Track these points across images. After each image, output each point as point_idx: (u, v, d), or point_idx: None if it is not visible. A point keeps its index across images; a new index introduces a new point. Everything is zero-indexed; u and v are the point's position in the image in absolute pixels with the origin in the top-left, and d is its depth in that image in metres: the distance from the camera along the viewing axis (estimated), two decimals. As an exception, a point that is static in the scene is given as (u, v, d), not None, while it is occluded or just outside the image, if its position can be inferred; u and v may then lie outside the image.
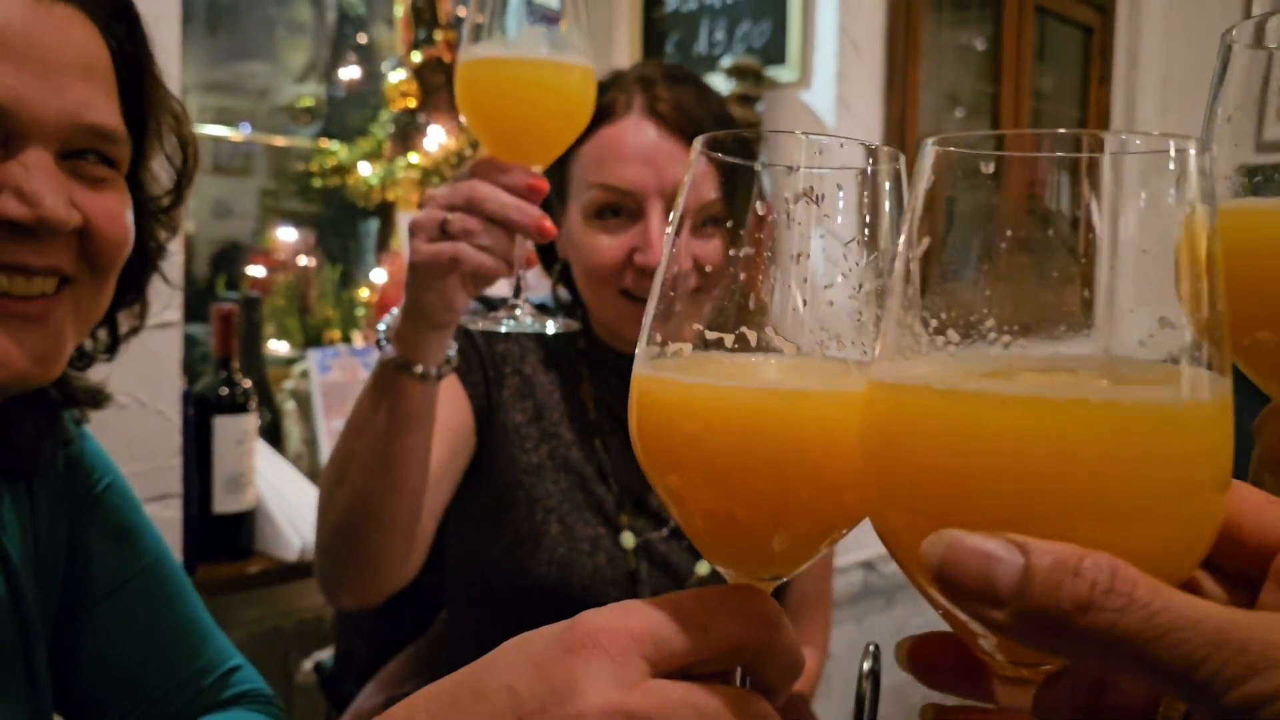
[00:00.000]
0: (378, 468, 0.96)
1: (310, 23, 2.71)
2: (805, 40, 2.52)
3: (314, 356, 1.95)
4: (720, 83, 2.52)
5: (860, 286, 0.44)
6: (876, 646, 0.63)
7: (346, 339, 2.19)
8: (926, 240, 0.37)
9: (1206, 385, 0.35)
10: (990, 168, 0.36)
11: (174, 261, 1.59)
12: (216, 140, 2.48)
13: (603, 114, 1.12)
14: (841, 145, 0.45)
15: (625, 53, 2.87)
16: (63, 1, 0.72)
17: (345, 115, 2.65)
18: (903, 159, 0.46)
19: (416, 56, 2.29)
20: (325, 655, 1.64)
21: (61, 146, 0.71)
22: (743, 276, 0.45)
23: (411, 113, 2.29)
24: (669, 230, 0.48)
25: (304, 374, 1.99)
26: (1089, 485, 0.33)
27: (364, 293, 2.29)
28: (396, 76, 2.30)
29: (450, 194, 0.84)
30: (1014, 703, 0.38)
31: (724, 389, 0.44)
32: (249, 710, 0.94)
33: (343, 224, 2.46)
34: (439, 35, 2.30)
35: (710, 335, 0.45)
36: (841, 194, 0.45)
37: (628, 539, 1.16)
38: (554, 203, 1.18)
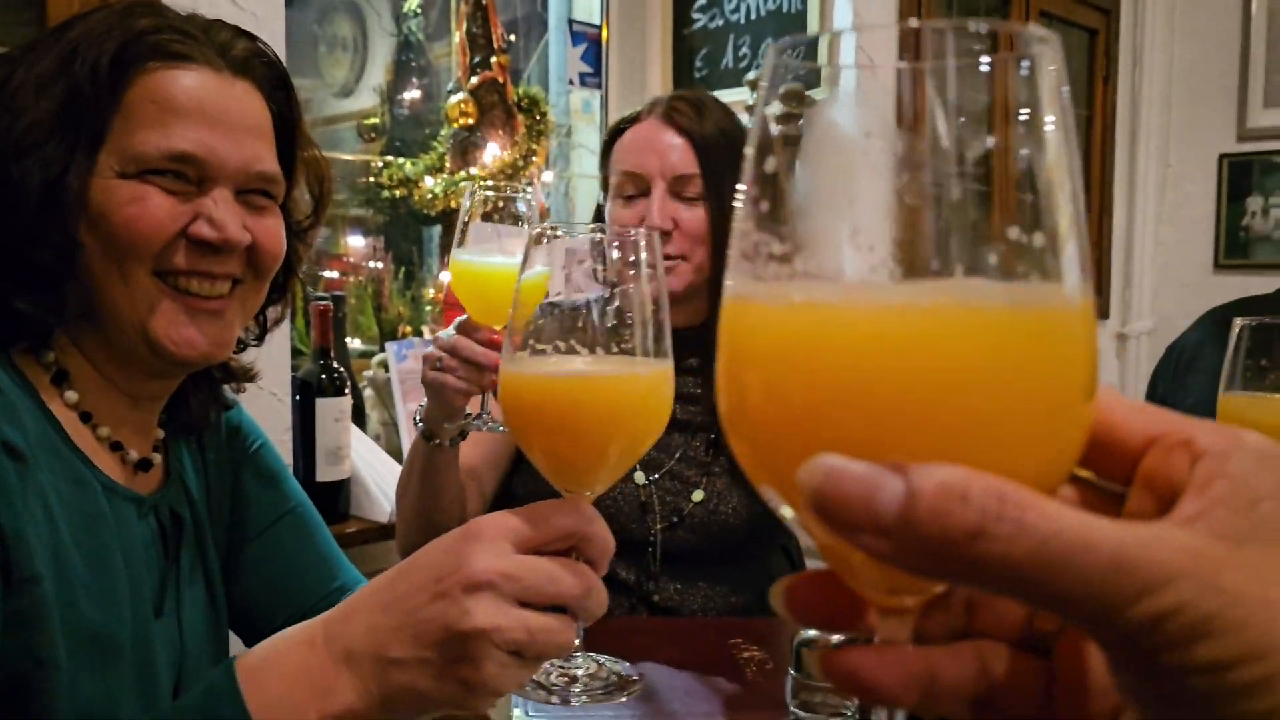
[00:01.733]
0: (421, 501, 1.39)
1: (354, 39, 2.98)
2: (830, 57, 2.76)
3: (392, 348, 2.22)
4: (745, 94, 2.76)
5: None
6: None
7: (419, 333, 2.47)
8: (772, 160, 0.36)
9: (1069, 290, 0.34)
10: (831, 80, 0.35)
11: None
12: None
13: (629, 121, 1.51)
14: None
15: (658, 67, 3.12)
16: (243, 78, 0.99)
17: (405, 131, 2.93)
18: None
19: (473, 79, 2.56)
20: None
21: (238, 186, 0.98)
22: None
23: (469, 129, 2.56)
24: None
25: (383, 364, 2.27)
26: (959, 398, 0.32)
27: (430, 292, 2.57)
28: (455, 98, 2.57)
29: (441, 342, 1.23)
30: (892, 635, 0.37)
31: (552, 377, 0.72)
32: None
33: (409, 230, 2.74)
34: (494, 59, 2.57)
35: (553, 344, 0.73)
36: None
37: (639, 477, 1.45)
38: (603, 198, 1.56)
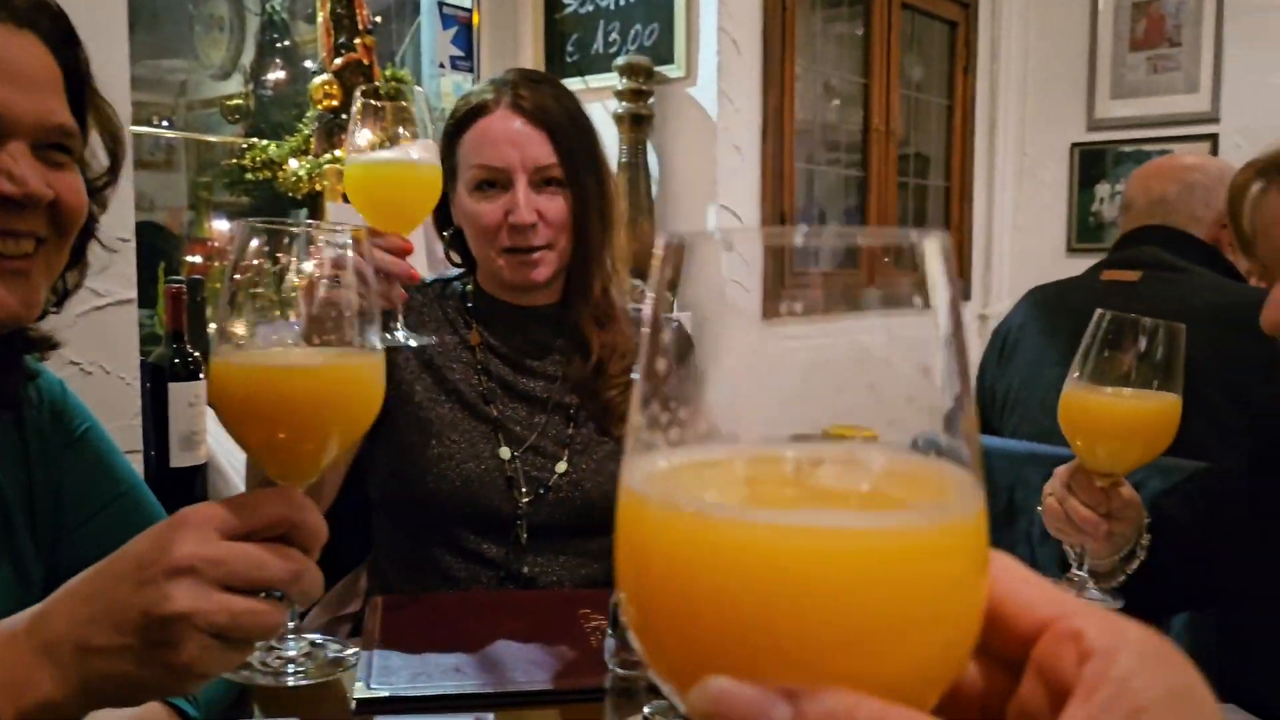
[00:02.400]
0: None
1: (229, 20, 2.91)
2: (690, 40, 2.81)
3: (284, 324, 2.18)
4: (614, 80, 2.79)
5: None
6: None
7: (284, 316, 2.43)
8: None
9: (960, 496, 0.34)
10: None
11: (128, 248, 1.83)
12: (139, 137, 2.68)
13: (475, 114, 1.45)
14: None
15: (529, 51, 3.13)
16: (28, 30, 0.96)
17: (271, 113, 2.88)
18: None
19: (337, 60, 2.52)
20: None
21: (35, 141, 0.94)
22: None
23: (334, 112, 2.52)
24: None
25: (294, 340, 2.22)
26: (840, 616, 0.32)
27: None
28: (319, 79, 2.53)
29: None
30: None
31: (260, 368, 0.73)
32: None
33: (273, 213, 2.69)
34: (358, 40, 2.54)
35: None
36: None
37: (504, 452, 1.46)
38: (448, 185, 1.49)
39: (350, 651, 0.75)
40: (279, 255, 0.74)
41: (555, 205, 1.45)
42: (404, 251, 1.19)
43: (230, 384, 0.72)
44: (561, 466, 1.47)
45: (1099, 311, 1.09)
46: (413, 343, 1.26)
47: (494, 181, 1.44)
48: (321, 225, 0.75)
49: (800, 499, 0.35)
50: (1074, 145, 3.95)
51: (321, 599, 1.60)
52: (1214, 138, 3.65)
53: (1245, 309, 1.80)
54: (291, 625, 0.71)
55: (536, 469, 1.47)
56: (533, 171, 1.44)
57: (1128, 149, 3.85)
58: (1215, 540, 1.13)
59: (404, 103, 1.20)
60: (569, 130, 1.46)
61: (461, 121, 1.47)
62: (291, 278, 0.73)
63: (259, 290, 0.73)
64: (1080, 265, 3.76)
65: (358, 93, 1.23)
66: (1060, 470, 1.12)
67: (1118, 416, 1.06)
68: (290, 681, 0.71)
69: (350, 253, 0.74)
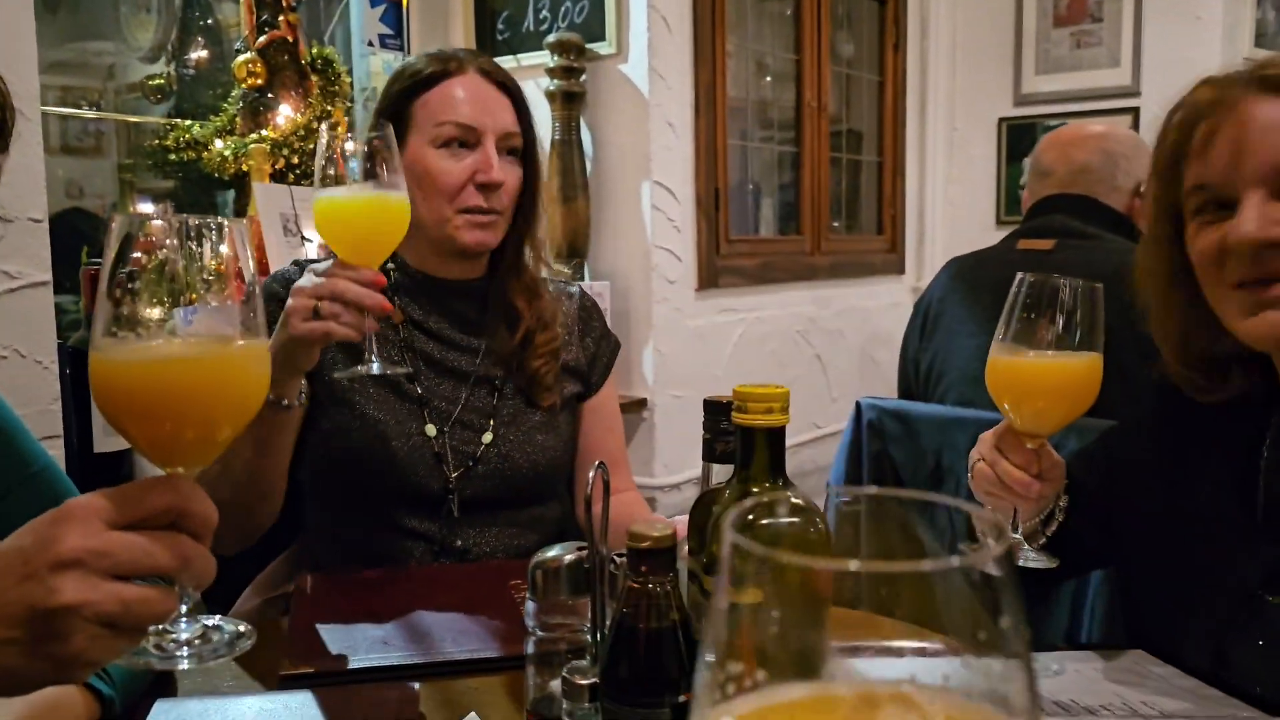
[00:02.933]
0: (258, 470, 1.33)
1: (156, 1, 2.85)
2: (620, 17, 2.81)
3: (179, 314, 2.15)
4: (546, 57, 2.78)
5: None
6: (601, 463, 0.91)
7: (164, 308, 2.39)
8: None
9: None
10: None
11: (40, 229, 1.78)
12: (66, 119, 2.62)
13: (441, 75, 1.46)
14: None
15: (460, 28, 3.10)
16: None
17: (196, 93, 2.82)
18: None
19: (261, 38, 2.48)
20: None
21: None
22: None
23: (260, 90, 2.49)
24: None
25: (172, 330, 2.19)
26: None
27: (223, 258, 2.48)
28: (243, 57, 2.49)
29: (318, 288, 1.18)
30: None
31: (139, 362, 0.71)
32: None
33: (200, 195, 2.65)
34: (282, 17, 2.50)
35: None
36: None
37: (430, 429, 1.46)
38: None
39: (244, 629, 0.74)
40: (158, 247, 0.72)
41: (515, 175, 1.48)
42: (377, 285, 1.19)
43: (108, 378, 0.71)
44: (488, 438, 1.48)
45: (1019, 275, 1.09)
46: (387, 372, 1.27)
47: (463, 140, 1.44)
48: (204, 218, 0.73)
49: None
50: (1001, 120, 4.02)
51: (255, 580, 1.59)
52: (1135, 111, 3.73)
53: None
54: (184, 609, 0.71)
55: (464, 443, 1.47)
56: (499, 136, 1.45)
57: (1053, 123, 3.91)
58: (1117, 497, 1.16)
59: (372, 133, 1.20)
60: (527, 105, 1.50)
61: (427, 80, 1.46)
62: (173, 269, 0.72)
63: (137, 283, 0.72)
64: (1010, 238, 3.86)
65: (323, 126, 1.24)
66: (987, 435, 1.13)
67: (1043, 376, 1.07)
68: (184, 665, 0.71)
69: (230, 243, 0.74)
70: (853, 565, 0.31)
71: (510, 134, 1.46)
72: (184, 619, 0.72)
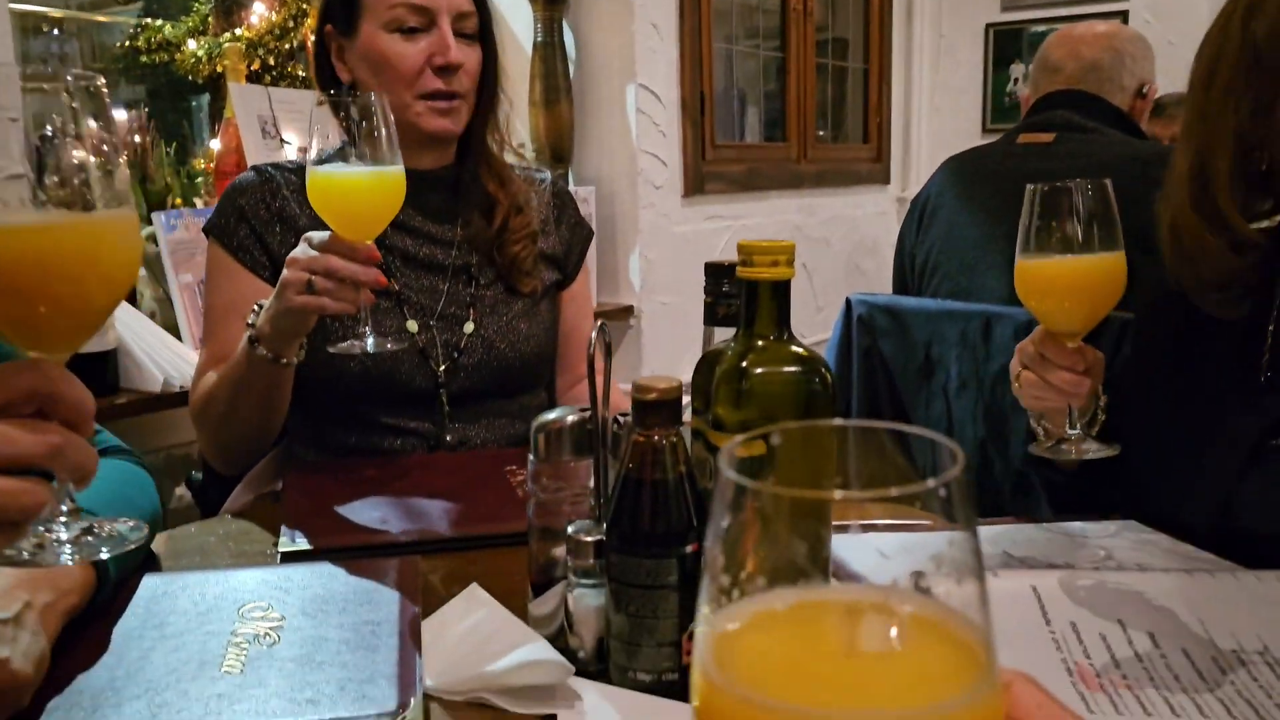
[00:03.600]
0: (261, 415, 1.36)
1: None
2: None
3: (160, 219, 2.11)
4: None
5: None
6: (603, 322, 0.90)
7: (190, 204, 2.35)
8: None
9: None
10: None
11: (13, 138, 1.73)
12: (28, 31, 2.54)
13: None
14: None
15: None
16: None
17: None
18: None
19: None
20: (195, 474, 1.85)
21: None
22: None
23: (232, -12, 2.42)
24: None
25: (151, 237, 2.15)
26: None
27: (201, 163, 2.44)
28: (215, -47, 2.41)
29: (311, 262, 1.17)
30: None
31: None
32: (118, 459, 1.16)
33: (175, 100, 2.58)
34: (253, -88, 2.42)
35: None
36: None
37: (412, 325, 1.45)
38: (339, 36, 1.45)
39: (131, 526, 0.71)
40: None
41: (474, 56, 1.45)
42: (371, 259, 1.18)
43: None
44: (469, 328, 1.47)
45: (1029, 187, 1.09)
46: (389, 346, 1.25)
47: (418, 21, 1.40)
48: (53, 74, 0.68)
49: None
50: (988, 25, 3.96)
51: (245, 478, 1.58)
52: (1124, 14, 3.68)
53: (1156, 160, 1.86)
54: (65, 507, 0.67)
55: (447, 336, 1.46)
56: (454, 16, 1.42)
57: (1041, 28, 3.87)
58: (1134, 381, 1.17)
59: (365, 106, 1.16)
60: None
61: None
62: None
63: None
64: (996, 146, 3.83)
65: (316, 98, 1.19)
66: (1025, 344, 1.13)
67: (1072, 275, 1.08)
68: (66, 559, 0.67)
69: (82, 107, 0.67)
70: (837, 495, 0.34)
71: (465, 13, 1.43)
72: (64, 517, 0.68)
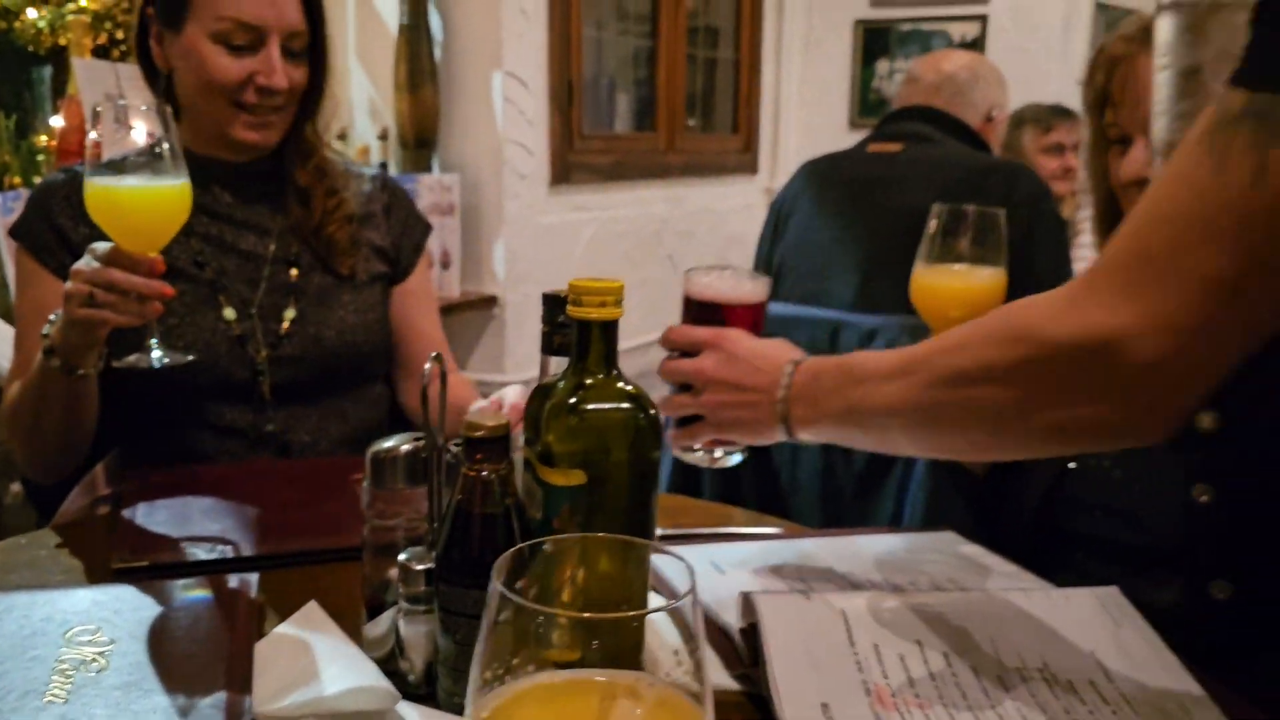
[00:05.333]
0: (66, 424, 1.34)
1: None
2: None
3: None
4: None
5: None
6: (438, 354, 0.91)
7: (30, 184, 2.24)
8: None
9: None
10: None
11: None
12: None
13: None
14: None
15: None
16: None
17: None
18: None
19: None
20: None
21: None
22: None
23: (77, -44, 2.30)
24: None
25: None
26: None
27: (43, 139, 2.33)
28: (57, -82, 2.29)
29: (93, 275, 1.14)
30: None
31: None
32: None
33: (14, 71, 2.45)
34: (100, -124, 2.30)
35: None
36: None
37: (229, 313, 1.43)
38: (161, 24, 1.41)
39: None
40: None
41: (299, 74, 1.43)
42: (155, 271, 1.16)
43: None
44: (290, 314, 1.46)
45: (936, 205, 1.22)
46: (168, 361, 1.22)
47: (245, 40, 1.38)
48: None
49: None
50: (858, 21, 4.07)
51: (81, 481, 1.54)
52: (984, 18, 3.83)
53: (988, 171, 1.98)
54: None
55: (268, 322, 1.45)
56: (285, 36, 1.40)
57: (907, 27, 3.99)
58: None
59: (147, 110, 1.12)
60: None
61: None
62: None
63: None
64: (861, 139, 3.93)
65: (100, 98, 1.15)
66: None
67: (958, 289, 1.22)
68: None
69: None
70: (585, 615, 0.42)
71: (296, 33, 1.40)
72: None
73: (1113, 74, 1.20)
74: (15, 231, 1.42)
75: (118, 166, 1.13)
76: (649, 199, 3.41)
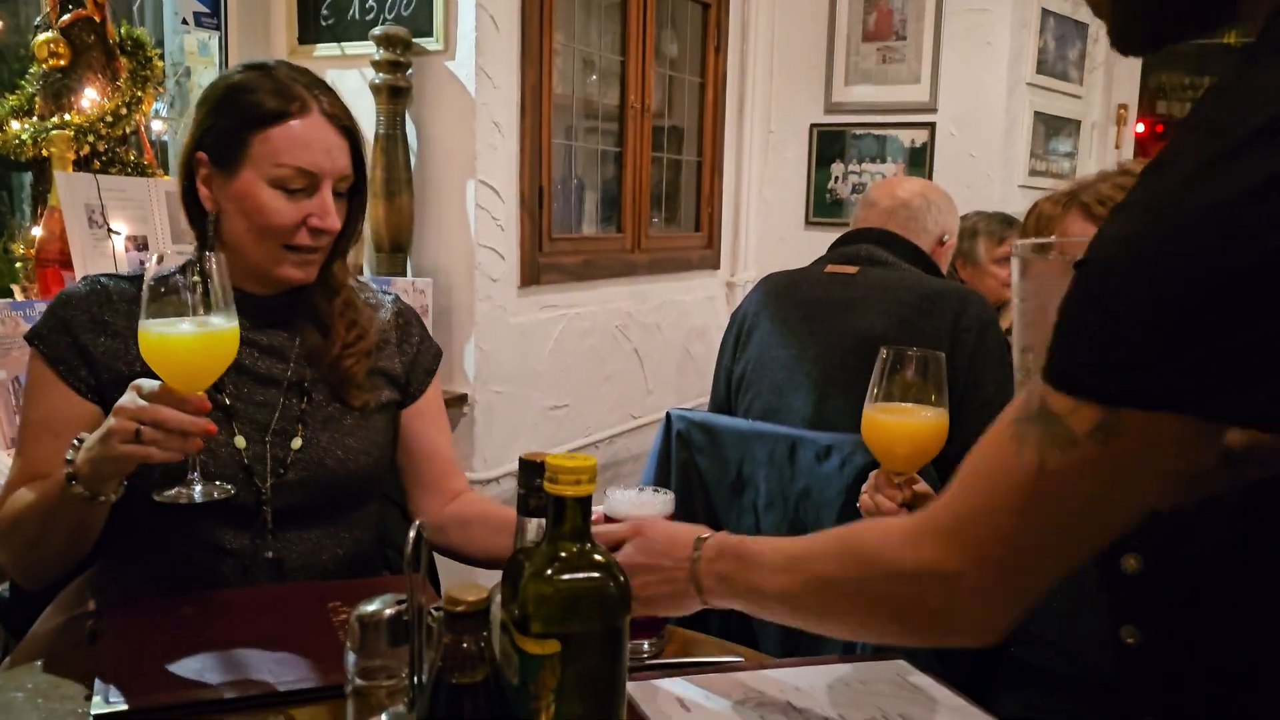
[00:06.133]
0: (71, 542, 1.37)
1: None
2: (448, 13, 2.81)
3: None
4: (371, 49, 2.76)
5: None
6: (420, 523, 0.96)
7: (6, 293, 2.28)
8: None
9: None
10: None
11: None
12: None
13: (286, 113, 1.44)
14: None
15: (282, 11, 3.03)
16: None
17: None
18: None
19: (65, 16, 2.36)
20: (1, 588, 1.78)
21: None
22: None
23: (63, 71, 2.37)
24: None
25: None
26: None
27: (21, 247, 2.37)
28: (44, 35, 2.36)
29: (139, 412, 1.20)
30: None
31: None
32: None
33: (-5, 177, 2.50)
34: (88, -3, 2.38)
35: None
36: None
37: (240, 441, 1.47)
38: (213, 167, 1.47)
39: None
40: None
41: (344, 212, 1.51)
42: (201, 410, 1.22)
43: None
44: (297, 443, 1.49)
45: (883, 348, 1.33)
46: (215, 495, 1.28)
47: (303, 185, 1.45)
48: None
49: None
50: (813, 125, 4.22)
51: (56, 599, 1.55)
52: (932, 126, 4.00)
53: (938, 296, 2.08)
54: None
55: (275, 448, 1.49)
56: (337, 180, 1.47)
57: (859, 132, 4.15)
58: None
59: (205, 271, 1.22)
60: (361, 144, 1.53)
61: (267, 116, 1.44)
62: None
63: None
64: (816, 237, 4.07)
65: (151, 257, 1.24)
66: (872, 474, 1.37)
67: (902, 429, 1.33)
68: None
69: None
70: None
71: (345, 177, 1.49)
72: None
73: (1048, 230, 1.34)
74: (33, 337, 1.45)
75: (168, 311, 1.20)
76: (615, 295, 3.50)
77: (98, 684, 1.10)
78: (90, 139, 2.33)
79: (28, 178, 2.52)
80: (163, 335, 1.20)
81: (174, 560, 1.45)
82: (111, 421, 1.21)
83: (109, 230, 2.27)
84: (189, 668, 1.15)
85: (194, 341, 1.20)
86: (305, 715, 1.08)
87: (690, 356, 3.93)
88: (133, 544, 1.49)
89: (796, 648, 1.79)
